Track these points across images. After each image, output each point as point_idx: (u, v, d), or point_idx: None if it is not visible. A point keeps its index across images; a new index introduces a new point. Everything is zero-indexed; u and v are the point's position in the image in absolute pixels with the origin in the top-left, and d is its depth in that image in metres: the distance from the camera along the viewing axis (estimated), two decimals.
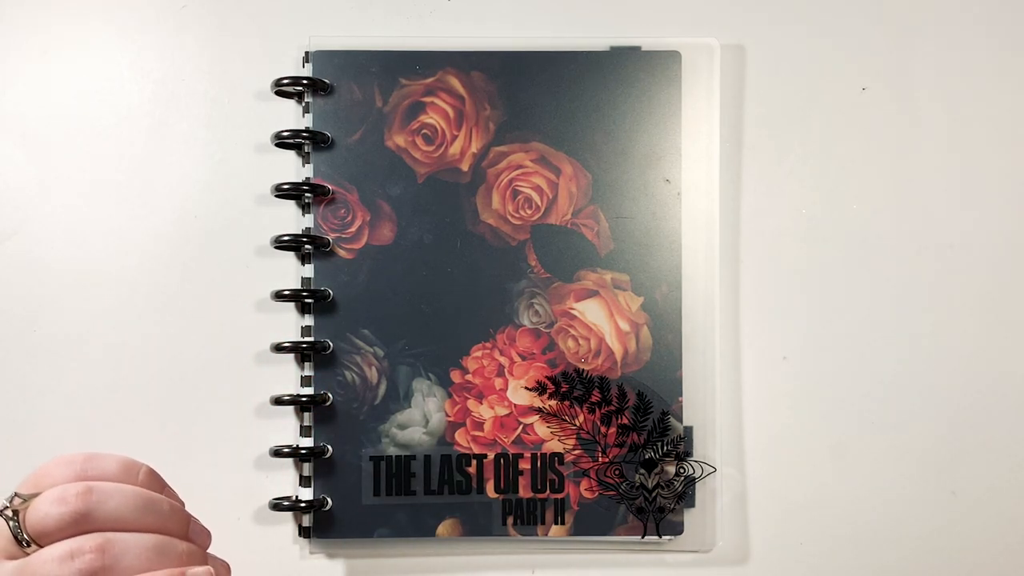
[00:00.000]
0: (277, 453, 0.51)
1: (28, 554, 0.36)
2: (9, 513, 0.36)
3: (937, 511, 0.54)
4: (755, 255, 0.54)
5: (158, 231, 0.53)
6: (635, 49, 0.53)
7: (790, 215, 0.54)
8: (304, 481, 0.52)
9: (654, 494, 0.52)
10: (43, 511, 0.36)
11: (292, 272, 0.53)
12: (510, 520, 0.52)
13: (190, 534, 0.39)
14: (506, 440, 0.53)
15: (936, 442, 0.54)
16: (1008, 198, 0.55)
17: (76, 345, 0.53)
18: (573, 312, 0.53)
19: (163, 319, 0.53)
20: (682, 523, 0.53)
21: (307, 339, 0.52)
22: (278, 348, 0.52)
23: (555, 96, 0.53)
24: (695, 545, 0.53)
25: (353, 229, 0.52)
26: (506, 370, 0.53)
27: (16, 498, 0.36)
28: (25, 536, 0.35)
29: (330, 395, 0.52)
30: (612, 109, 0.53)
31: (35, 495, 0.36)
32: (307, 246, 0.52)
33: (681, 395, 0.53)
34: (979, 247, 0.54)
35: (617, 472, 0.53)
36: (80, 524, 0.36)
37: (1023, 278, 0.55)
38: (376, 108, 0.53)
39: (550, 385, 0.53)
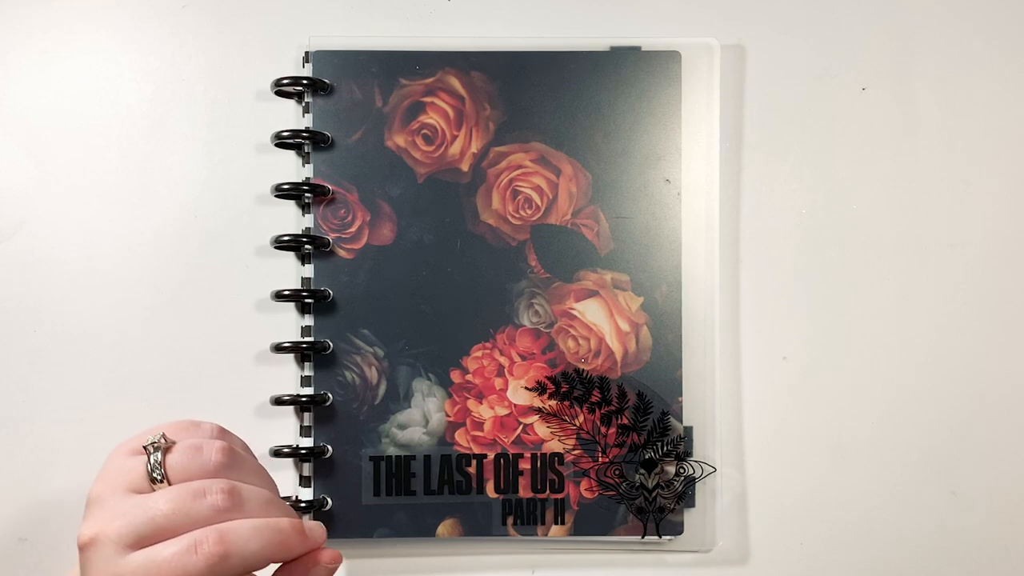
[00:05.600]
0: (277, 453, 0.51)
1: (155, 490, 0.39)
2: (151, 449, 0.40)
3: (937, 511, 0.54)
4: (755, 255, 0.54)
5: (158, 231, 0.53)
6: (635, 49, 0.53)
7: (790, 215, 0.54)
8: (304, 481, 0.52)
9: (654, 494, 0.52)
10: (187, 456, 0.40)
11: (292, 272, 0.53)
12: (510, 520, 0.52)
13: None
14: (506, 440, 0.53)
15: (936, 442, 0.54)
16: (1008, 198, 0.55)
17: (76, 345, 0.53)
18: (573, 312, 0.53)
19: (163, 319, 0.53)
20: (682, 523, 0.53)
21: (307, 339, 0.52)
22: (278, 348, 0.52)
23: (555, 96, 0.53)
24: (695, 545, 0.53)
25: (353, 229, 0.52)
26: (506, 370, 0.53)
27: (162, 439, 0.41)
28: (160, 472, 0.40)
29: (330, 395, 0.52)
30: (612, 109, 0.53)
31: (173, 442, 0.41)
32: (307, 246, 0.52)
33: (681, 395, 0.53)
34: (979, 247, 0.54)
35: (617, 472, 0.53)
36: (215, 475, 0.40)
37: (1023, 278, 0.55)
38: (376, 108, 0.53)
39: (550, 385, 0.53)
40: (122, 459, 0.41)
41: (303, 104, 0.53)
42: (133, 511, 0.38)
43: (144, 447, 0.41)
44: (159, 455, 0.40)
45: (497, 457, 0.53)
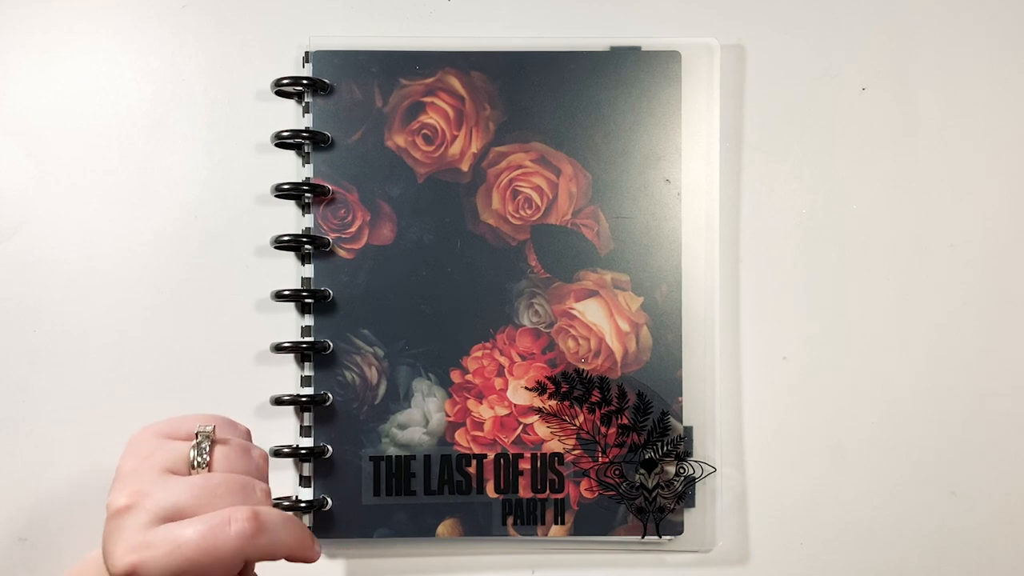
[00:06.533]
0: (277, 453, 0.51)
1: (190, 475, 0.41)
2: (202, 437, 0.42)
3: (937, 511, 0.54)
4: (755, 255, 0.54)
5: (158, 231, 0.53)
6: (635, 49, 0.53)
7: (790, 215, 0.54)
8: (304, 481, 0.52)
9: (654, 494, 0.52)
10: (236, 452, 0.43)
11: (292, 272, 0.53)
12: (510, 520, 0.52)
13: None
14: (506, 440, 0.53)
15: (936, 442, 0.54)
16: (1008, 198, 0.55)
17: (76, 345, 0.53)
18: (573, 312, 0.53)
19: (163, 319, 0.53)
20: (682, 523, 0.53)
21: (307, 339, 0.52)
22: (278, 348, 0.52)
23: (555, 96, 0.53)
24: (695, 545, 0.53)
25: (353, 229, 0.52)
26: (506, 370, 0.53)
27: (213, 431, 0.43)
28: (205, 460, 0.41)
29: (330, 395, 0.52)
30: (612, 109, 0.53)
31: (223, 437, 0.43)
32: (307, 246, 0.52)
33: (681, 395, 0.53)
34: (979, 247, 0.54)
35: (617, 472, 0.53)
36: (251, 474, 0.42)
37: (1023, 278, 0.55)
38: (376, 108, 0.53)
39: (550, 385, 0.53)
40: (155, 440, 0.42)
41: (303, 104, 0.53)
42: (173, 486, 0.39)
43: (196, 433, 0.42)
44: (207, 444, 0.42)
45: (497, 457, 0.53)
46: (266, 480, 0.44)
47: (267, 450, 0.51)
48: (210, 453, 0.41)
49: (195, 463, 0.41)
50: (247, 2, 0.54)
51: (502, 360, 0.53)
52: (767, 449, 0.54)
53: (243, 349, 0.53)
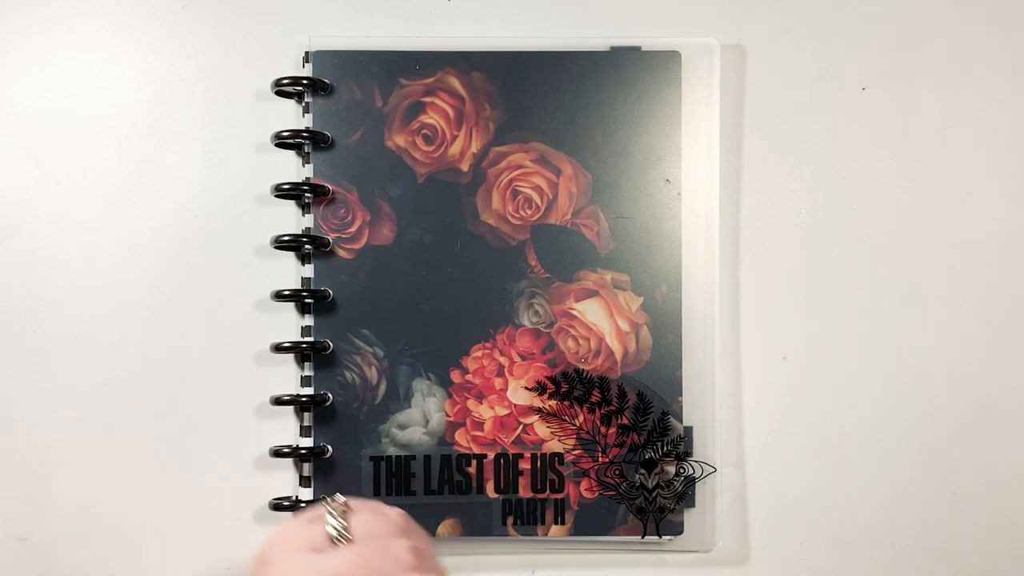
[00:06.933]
0: (277, 453, 0.51)
1: (336, 548, 0.39)
2: (331, 511, 0.40)
3: (937, 511, 0.54)
4: (755, 255, 0.54)
5: (158, 231, 0.53)
6: (635, 49, 0.53)
7: (790, 215, 0.54)
8: (304, 481, 0.52)
9: (654, 494, 0.52)
10: (371, 515, 0.41)
11: (292, 272, 0.53)
12: (510, 520, 0.52)
13: None
14: (506, 440, 0.53)
15: (936, 442, 0.54)
16: (1008, 198, 0.55)
17: (76, 345, 0.53)
18: (573, 312, 0.53)
19: (163, 319, 0.53)
20: (682, 523, 0.53)
21: (307, 339, 0.52)
22: (278, 348, 0.52)
23: (555, 96, 0.53)
24: (695, 545, 0.53)
25: (353, 229, 0.52)
26: (506, 370, 0.53)
27: (344, 505, 0.41)
28: (347, 535, 0.39)
29: (330, 395, 0.52)
30: (612, 109, 0.53)
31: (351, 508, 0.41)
32: (307, 246, 0.52)
33: (681, 395, 0.53)
34: (979, 247, 0.54)
35: (617, 472, 0.53)
36: (392, 534, 0.40)
37: (1023, 278, 0.55)
38: (376, 108, 0.53)
39: (550, 385, 0.53)
40: (286, 531, 0.41)
41: (303, 104, 0.53)
42: (324, 560, 0.38)
43: (328, 511, 0.40)
44: (341, 515, 0.40)
45: (497, 457, 0.53)
46: (409, 533, 0.41)
47: (268, 450, 0.52)
48: (347, 527, 0.40)
49: (335, 539, 0.39)
50: (247, 2, 0.54)
51: (502, 360, 0.53)
52: (767, 449, 0.54)
53: (243, 349, 0.53)
